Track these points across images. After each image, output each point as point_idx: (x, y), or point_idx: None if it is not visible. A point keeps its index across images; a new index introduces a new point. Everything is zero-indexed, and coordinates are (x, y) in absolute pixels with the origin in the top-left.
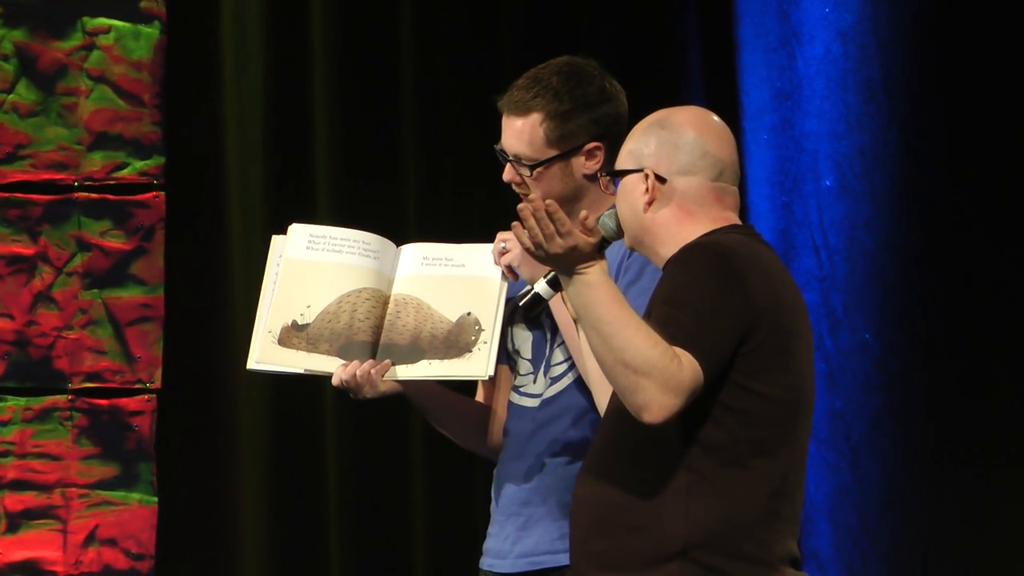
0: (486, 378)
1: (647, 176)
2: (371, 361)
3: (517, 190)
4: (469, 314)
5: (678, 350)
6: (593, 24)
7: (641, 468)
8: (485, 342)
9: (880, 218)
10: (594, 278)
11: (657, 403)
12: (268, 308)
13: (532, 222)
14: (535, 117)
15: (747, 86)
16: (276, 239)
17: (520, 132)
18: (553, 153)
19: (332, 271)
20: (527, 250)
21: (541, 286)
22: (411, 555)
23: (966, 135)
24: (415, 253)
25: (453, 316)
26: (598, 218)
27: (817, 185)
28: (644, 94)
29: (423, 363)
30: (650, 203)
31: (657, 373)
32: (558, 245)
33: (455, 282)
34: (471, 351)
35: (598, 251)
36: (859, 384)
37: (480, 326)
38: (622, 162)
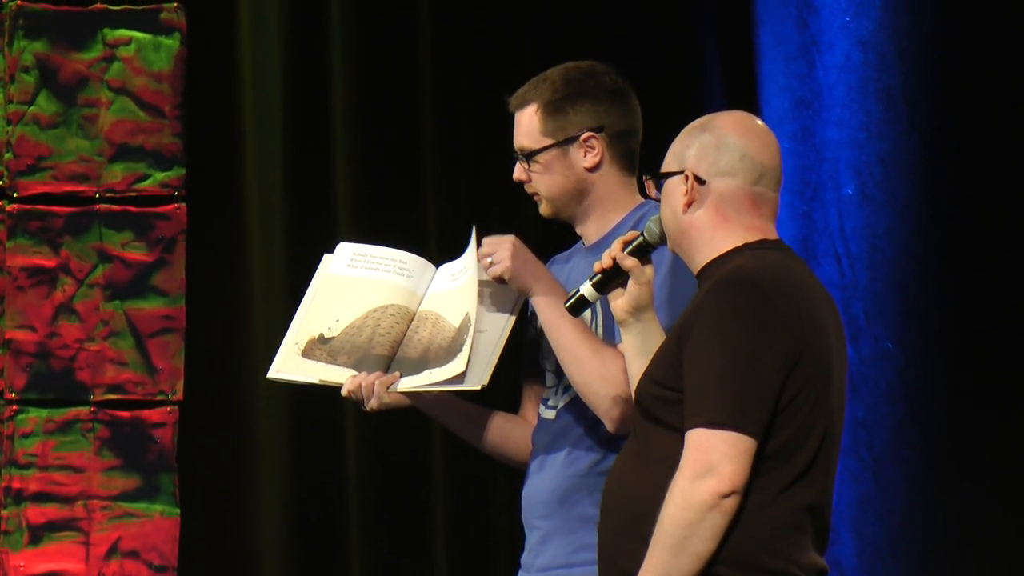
0: (478, 388)
1: (687, 177)
2: (377, 373)
3: (527, 190)
4: (466, 315)
5: (716, 433)
6: (612, 34)
7: (668, 477)
8: (468, 340)
9: (901, 226)
10: None
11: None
12: (299, 321)
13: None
14: (532, 108)
15: (767, 94)
16: (326, 257)
17: (520, 124)
18: (548, 143)
19: (365, 287)
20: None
21: (587, 289)
22: (432, 566)
23: (986, 142)
24: (445, 271)
25: (458, 323)
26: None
27: (838, 193)
28: (664, 103)
29: (424, 372)
30: (689, 204)
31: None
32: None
33: (468, 290)
34: (460, 352)
35: (644, 258)
36: (881, 393)
37: (472, 325)
38: (666, 165)
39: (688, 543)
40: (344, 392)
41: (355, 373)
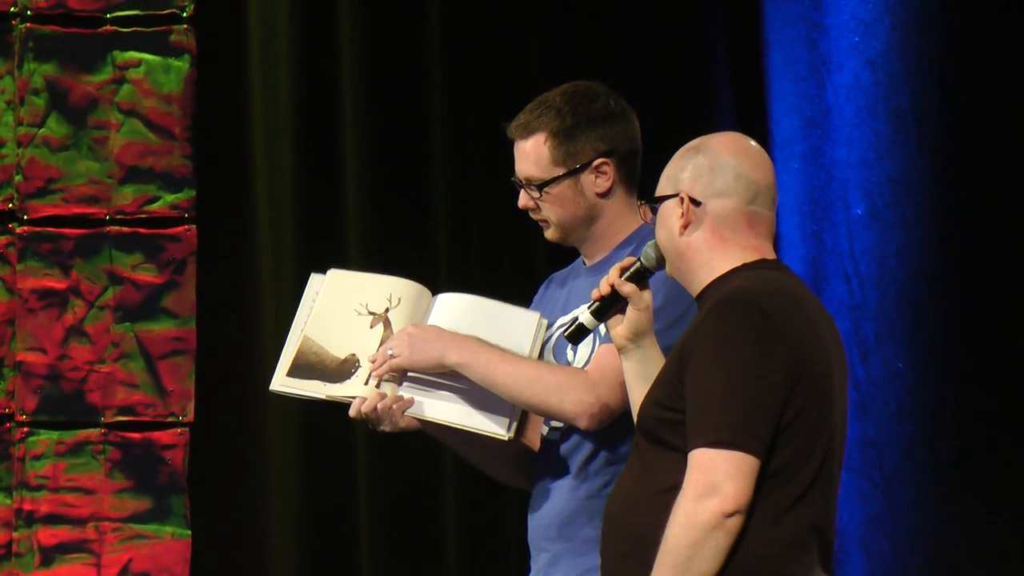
0: (506, 439)
1: (682, 199)
2: (394, 396)
3: (534, 217)
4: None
5: (719, 453)
6: (622, 55)
7: (671, 500)
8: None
9: (911, 246)
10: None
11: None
12: (296, 341)
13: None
14: (540, 137)
15: (776, 115)
16: (314, 276)
17: (527, 154)
18: (560, 171)
19: (360, 318)
20: None
21: (585, 317)
22: None
23: (996, 162)
24: (449, 307)
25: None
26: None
27: (847, 213)
28: (674, 124)
29: (448, 405)
30: (685, 226)
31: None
32: None
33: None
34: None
35: (641, 283)
36: (891, 413)
37: None
38: (660, 189)
39: (692, 564)
40: (352, 413)
41: (364, 390)
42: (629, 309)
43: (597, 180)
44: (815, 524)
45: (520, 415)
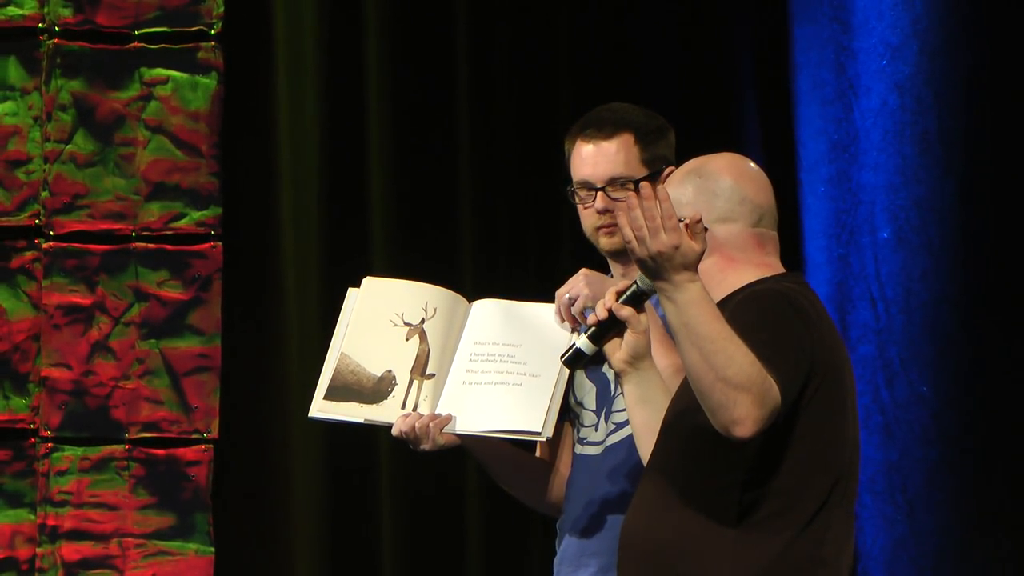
0: (543, 438)
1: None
2: (431, 414)
3: (607, 220)
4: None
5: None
6: (649, 76)
7: (690, 513)
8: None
9: (937, 270)
10: (696, 295)
11: (752, 418)
12: (334, 360)
13: (638, 212)
14: (628, 137)
15: (803, 138)
16: (351, 291)
17: (615, 153)
18: (645, 172)
19: (396, 330)
20: (627, 244)
21: (582, 342)
22: None
23: (1021, 187)
24: (484, 314)
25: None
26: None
27: (874, 237)
28: (700, 147)
29: (483, 415)
30: None
31: (756, 389)
32: (662, 242)
33: (520, 343)
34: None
35: (639, 306)
36: (915, 437)
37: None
38: None
39: (728, 367)
40: (395, 432)
41: (402, 412)
42: (627, 333)
43: None
44: (832, 541)
45: (554, 414)
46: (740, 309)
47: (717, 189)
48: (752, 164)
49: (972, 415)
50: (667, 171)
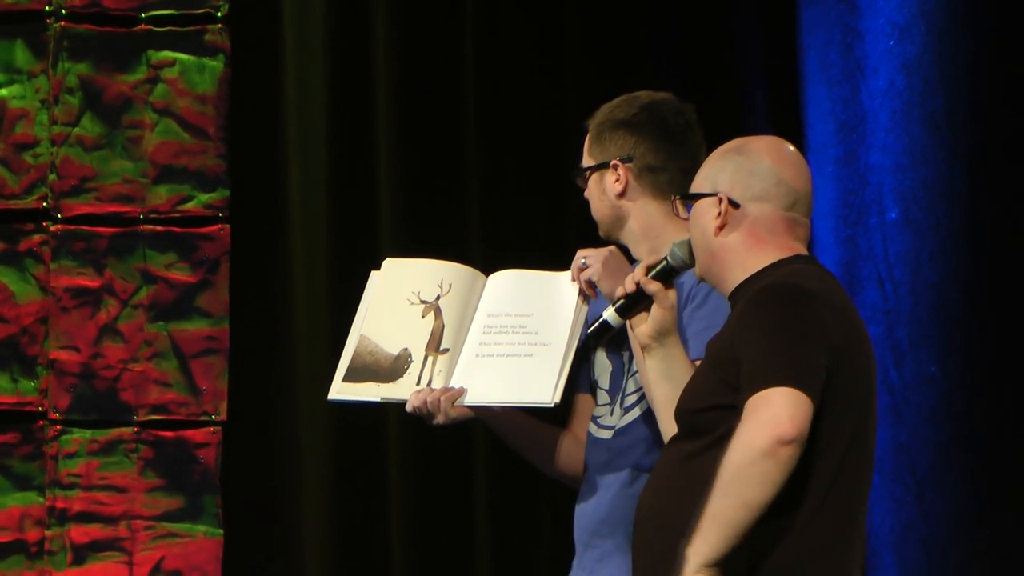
0: (551, 406)
1: (720, 200)
2: (442, 388)
3: None
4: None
5: (774, 391)
6: (657, 57)
7: (705, 492)
8: (554, 360)
9: (945, 251)
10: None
11: (778, 454)
12: (354, 342)
13: None
14: (591, 128)
15: (811, 119)
16: (373, 274)
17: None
18: (591, 163)
19: (412, 308)
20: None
21: (610, 314)
22: None
23: None
24: (498, 285)
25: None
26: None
27: (882, 218)
28: (708, 128)
29: (492, 386)
30: (721, 227)
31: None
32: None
33: (532, 312)
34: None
35: (668, 282)
36: (924, 418)
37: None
38: (696, 186)
39: (735, 486)
40: (409, 408)
41: (416, 388)
42: (654, 307)
43: (615, 182)
44: (848, 523)
45: (564, 382)
46: (753, 309)
47: (755, 168)
48: (792, 149)
49: (981, 395)
50: (675, 205)
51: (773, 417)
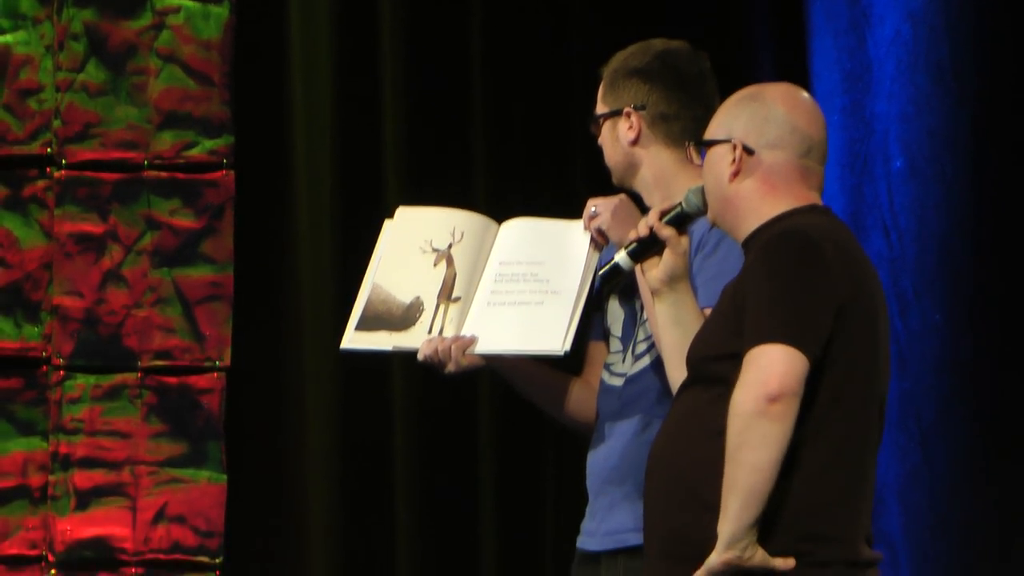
0: (562, 354)
1: (735, 147)
2: (453, 336)
3: None
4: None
5: (767, 347)
6: (661, 8)
7: (717, 445)
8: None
9: (950, 200)
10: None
11: (766, 409)
12: (367, 291)
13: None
14: (605, 76)
15: (817, 68)
16: (386, 223)
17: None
18: (605, 110)
19: (424, 256)
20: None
21: (621, 257)
22: (480, 535)
23: None
24: (510, 233)
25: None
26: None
27: (887, 167)
28: (715, 77)
29: (502, 334)
30: (735, 174)
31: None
32: None
33: (543, 261)
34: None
35: (681, 228)
36: (929, 366)
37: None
38: (711, 133)
39: (739, 452)
40: (420, 357)
41: (427, 337)
42: (666, 252)
43: (629, 128)
44: (859, 473)
45: (574, 329)
46: (762, 257)
47: (769, 115)
48: (807, 96)
49: (986, 344)
50: (689, 151)
51: (761, 376)
